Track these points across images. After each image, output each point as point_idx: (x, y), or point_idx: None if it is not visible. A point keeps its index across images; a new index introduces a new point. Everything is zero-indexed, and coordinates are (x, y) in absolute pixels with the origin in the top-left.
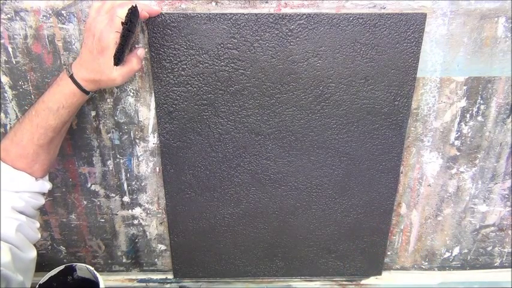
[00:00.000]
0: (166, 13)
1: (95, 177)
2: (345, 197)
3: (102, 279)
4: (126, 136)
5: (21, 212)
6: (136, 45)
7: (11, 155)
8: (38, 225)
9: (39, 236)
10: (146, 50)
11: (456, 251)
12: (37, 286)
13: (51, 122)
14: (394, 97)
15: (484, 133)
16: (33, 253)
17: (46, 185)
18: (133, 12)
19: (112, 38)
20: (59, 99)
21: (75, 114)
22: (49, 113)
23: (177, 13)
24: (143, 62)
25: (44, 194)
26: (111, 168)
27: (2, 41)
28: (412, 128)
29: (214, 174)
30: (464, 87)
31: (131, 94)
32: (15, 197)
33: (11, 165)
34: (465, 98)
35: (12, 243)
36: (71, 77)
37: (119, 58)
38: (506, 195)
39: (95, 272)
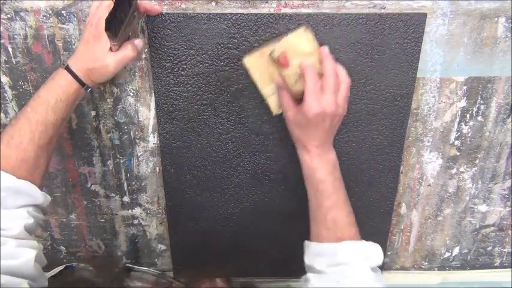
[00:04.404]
0: (166, 13)
1: (95, 177)
2: None
3: None
4: (126, 136)
5: (29, 231)
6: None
7: (11, 161)
8: (41, 246)
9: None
10: (146, 49)
11: (456, 251)
12: None
13: (50, 117)
14: (394, 97)
15: (484, 133)
16: (46, 283)
17: (48, 197)
18: None
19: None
20: (56, 92)
21: (72, 110)
22: (47, 107)
23: (177, 13)
24: (143, 61)
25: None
26: (111, 168)
27: (2, 41)
28: (412, 128)
29: (214, 174)
30: (464, 87)
31: (131, 94)
32: (23, 213)
33: (12, 174)
34: (465, 98)
35: (29, 276)
36: (67, 67)
37: (109, 22)
38: (506, 195)
39: None
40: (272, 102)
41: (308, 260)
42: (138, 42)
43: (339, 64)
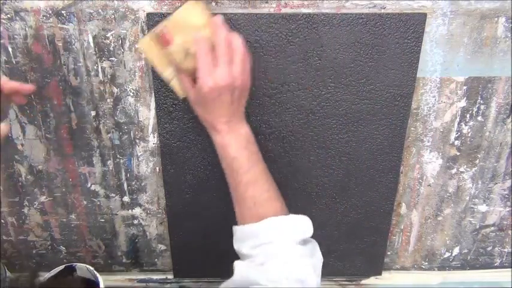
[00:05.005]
0: (166, 13)
1: (95, 177)
2: (345, 197)
3: (102, 279)
4: (126, 136)
5: None
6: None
7: None
8: None
9: None
10: None
11: (456, 251)
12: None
13: None
14: (394, 97)
15: (484, 133)
16: None
17: None
18: None
19: None
20: None
21: None
22: None
23: None
24: (143, 61)
25: None
26: (111, 168)
27: (2, 41)
28: (412, 128)
29: (214, 174)
30: (464, 87)
31: (131, 94)
32: None
33: None
34: (465, 98)
35: None
36: None
37: None
38: (506, 195)
39: (95, 272)
40: (176, 86)
41: (236, 246)
42: (4, 128)
43: (236, 34)
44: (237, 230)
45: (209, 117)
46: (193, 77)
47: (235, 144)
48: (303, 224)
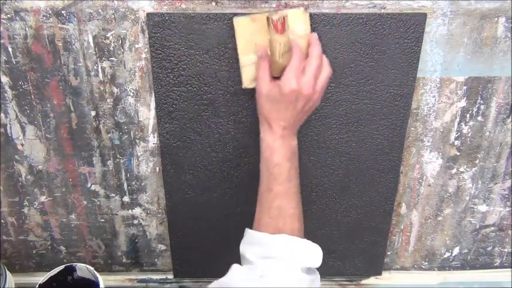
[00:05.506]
0: (166, 13)
1: (95, 177)
2: (345, 197)
3: (102, 279)
4: (126, 136)
5: None
6: None
7: None
8: None
9: None
10: (146, 49)
11: (456, 251)
12: (37, 286)
13: None
14: (394, 97)
15: (484, 133)
16: None
17: None
18: None
19: None
20: None
21: None
22: None
23: (177, 13)
24: (143, 61)
25: None
26: (111, 168)
27: (2, 41)
28: (412, 128)
29: (214, 174)
30: (464, 87)
31: (131, 94)
32: None
33: None
34: (465, 98)
35: None
36: None
37: None
38: (506, 195)
39: (95, 272)
40: (246, 73)
41: (242, 248)
42: None
43: (325, 57)
44: (249, 233)
45: (272, 115)
46: (272, 73)
47: (282, 152)
48: (314, 253)
